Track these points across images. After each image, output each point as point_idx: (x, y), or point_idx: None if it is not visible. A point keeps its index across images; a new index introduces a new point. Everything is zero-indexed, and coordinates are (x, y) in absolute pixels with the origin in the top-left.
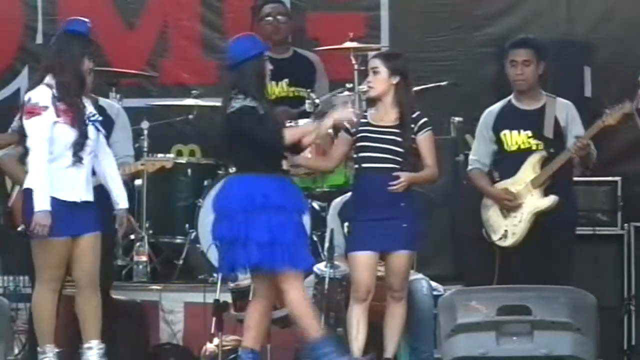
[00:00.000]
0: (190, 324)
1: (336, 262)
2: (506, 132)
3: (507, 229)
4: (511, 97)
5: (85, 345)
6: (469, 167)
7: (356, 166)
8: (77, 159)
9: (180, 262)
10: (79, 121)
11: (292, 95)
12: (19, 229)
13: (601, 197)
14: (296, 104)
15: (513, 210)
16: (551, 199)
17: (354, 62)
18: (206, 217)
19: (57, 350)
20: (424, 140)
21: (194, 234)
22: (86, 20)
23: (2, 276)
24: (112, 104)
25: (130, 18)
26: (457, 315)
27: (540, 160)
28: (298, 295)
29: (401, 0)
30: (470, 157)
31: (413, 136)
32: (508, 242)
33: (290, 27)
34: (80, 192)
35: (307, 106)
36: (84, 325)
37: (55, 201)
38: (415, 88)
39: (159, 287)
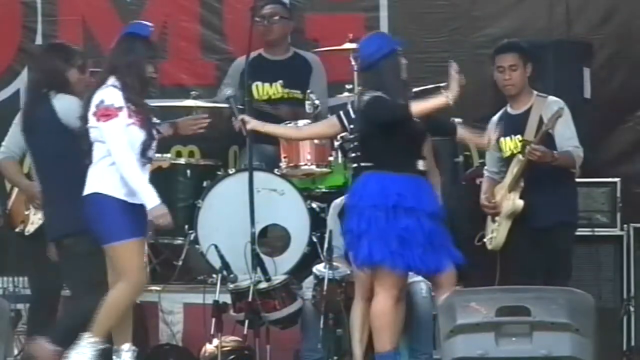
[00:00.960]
0: (189, 325)
1: (335, 263)
2: (502, 139)
3: (492, 232)
4: (509, 104)
5: (120, 347)
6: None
7: (355, 165)
8: (146, 161)
9: (180, 263)
10: (147, 122)
11: (286, 97)
12: (17, 229)
13: (600, 198)
14: (291, 105)
15: (493, 215)
16: (515, 204)
17: (353, 63)
18: (205, 218)
19: (134, 349)
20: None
21: (193, 235)
22: (148, 23)
23: (1, 277)
24: None
25: (130, 19)
26: (456, 316)
27: (517, 163)
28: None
29: (400, 1)
30: (485, 167)
31: None
32: (491, 245)
33: (286, 29)
34: None
35: (307, 107)
36: (121, 328)
37: (125, 203)
38: (415, 89)
39: (158, 288)
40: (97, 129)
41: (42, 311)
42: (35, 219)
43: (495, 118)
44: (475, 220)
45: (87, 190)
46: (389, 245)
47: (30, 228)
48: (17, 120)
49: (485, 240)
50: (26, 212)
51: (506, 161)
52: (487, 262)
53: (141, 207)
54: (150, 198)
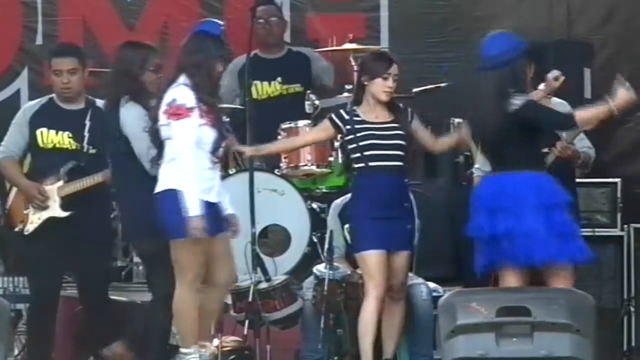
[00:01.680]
0: None
1: (336, 264)
2: None
3: None
4: None
5: (201, 343)
6: (473, 174)
7: (361, 165)
8: (216, 160)
9: None
10: (218, 122)
11: (286, 93)
12: (17, 229)
13: (601, 199)
14: (292, 101)
15: None
16: None
17: (353, 63)
18: None
19: (201, 351)
20: (419, 123)
21: None
22: (220, 22)
23: (1, 277)
24: None
25: (130, 19)
26: (456, 316)
27: None
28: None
29: (401, 1)
30: (475, 165)
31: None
32: None
33: (283, 28)
34: (217, 193)
35: (307, 107)
36: (205, 324)
37: (199, 201)
38: (415, 89)
39: None
40: (167, 126)
41: (41, 311)
42: (34, 219)
43: None
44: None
45: (163, 186)
46: (562, 241)
47: (30, 227)
48: (17, 120)
49: None
50: (25, 212)
51: None
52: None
53: (214, 205)
54: (193, 206)
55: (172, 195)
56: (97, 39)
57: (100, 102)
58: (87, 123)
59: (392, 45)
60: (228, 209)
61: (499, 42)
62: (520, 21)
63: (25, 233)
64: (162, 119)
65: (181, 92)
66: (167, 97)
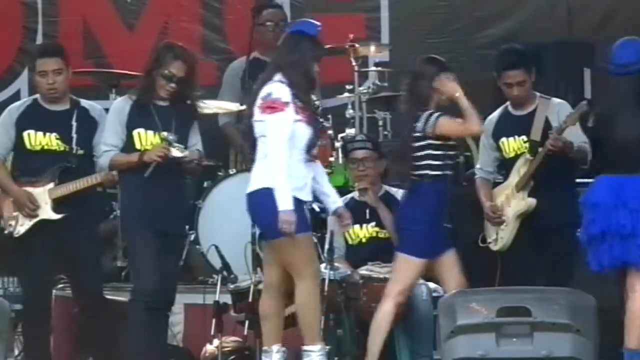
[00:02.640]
0: (190, 326)
1: (336, 264)
2: (504, 139)
3: (497, 233)
4: (508, 103)
5: (270, 347)
6: (475, 175)
7: (444, 172)
8: (310, 158)
9: (180, 263)
10: (313, 120)
11: None
12: (6, 232)
13: None
14: None
15: (498, 224)
16: (528, 202)
17: (354, 63)
18: (206, 218)
19: (283, 350)
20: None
21: (193, 235)
22: (316, 23)
23: (1, 278)
24: (95, 105)
25: (130, 19)
26: (456, 316)
27: (525, 163)
28: None
29: (401, 1)
30: (476, 165)
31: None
32: (498, 246)
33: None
34: (309, 191)
35: None
36: (272, 328)
37: (294, 199)
38: None
39: None
40: (261, 123)
41: (35, 312)
42: (25, 221)
43: (494, 117)
44: (476, 221)
45: (257, 185)
46: None
47: (21, 229)
48: (3, 121)
49: (489, 241)
50: (15, 213)
51: (507, 162)
52: (487, 262)
53: (305, 203)
54: (285, 200)
55: (267, 194)
56: (97, 39)
57: (85, 102)
58: (74, 124)
59: (393, 45)
60: (337, 201)
61: (632, 49)
62: (520, 21)
63: (16, 235)
64: (257, 114)
65: (277, 87)
66: (263, 92)
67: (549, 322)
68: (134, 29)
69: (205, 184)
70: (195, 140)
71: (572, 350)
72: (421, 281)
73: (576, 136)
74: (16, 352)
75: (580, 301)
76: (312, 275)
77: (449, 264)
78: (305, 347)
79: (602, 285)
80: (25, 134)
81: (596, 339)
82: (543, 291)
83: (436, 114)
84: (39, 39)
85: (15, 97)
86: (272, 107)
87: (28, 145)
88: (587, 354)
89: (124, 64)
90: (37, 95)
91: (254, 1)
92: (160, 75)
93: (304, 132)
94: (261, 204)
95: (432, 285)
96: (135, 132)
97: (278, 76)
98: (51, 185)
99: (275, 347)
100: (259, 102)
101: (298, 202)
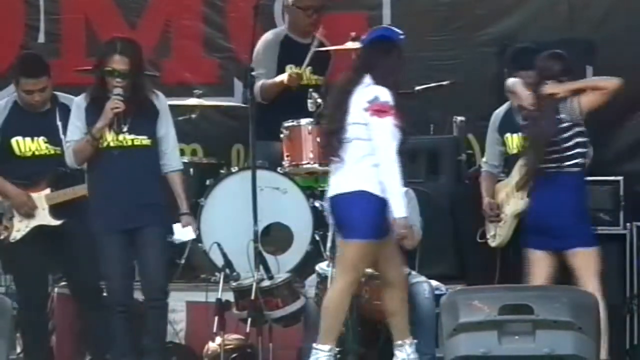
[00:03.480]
0: (192, 323)
1: None
2: (508, 135)
3: (495, 230)
4: None
5: (399, 342)
6: (481, 169)
7: (585, 159)
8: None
9: (182, 261)
10: (402, 124)
11: (314, 83)
12: (2, 237)
13: (603, 197)
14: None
15: (495, 221)
16: (526, 202)
17: None
18: (208, 216)
19: (415, 341)
20: None
21: (196, 233)
22: (397, 30)
23: (4, 275)
24: (70, 97)
25: (132, 17)
26: (459, 314)
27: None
28: None
29: None
30: (482, 159)
31: None
32: (495, 243)
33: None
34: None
35: (310, 105)
36: (401, 323)
37: (384, 203)
38: (417, 87)
39: None
40: (365, 125)
41: (32, 311)
42: (21, 226)
43: (501, 112)
44: (478, 219)
45: (351, 187)
46: None
47: (17, 235)
48: None
49: (488, 237)
50: (9, 216)
51: (510, 158)
52: (486, 259)
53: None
54: (400, 207)
55: (362, 197)
56: (99, 36)
57: (63, 97)
58: (59, 124)
59: None
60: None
61: None
62: (522, 19)
63: (12, 241)
64: (357, 117)
65: (382, 91)
66: (366, 95)
67: (551, 320)
68: (136, 26)
69: (207, 182)
70: (164, 132)
71: (574, 348)
72: (423, 279)
73: None
74: (18, 349)
75: (582, 299)
76: (349, 283)
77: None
78: (315, 345)
79: (604, 282)
80: (13, 141)
81: (598, 337)
82: (545, 289)
83: (571, 98)
84: (41, 37)
85: None
86: (382, 110)
87: (18, 152)
88: (589, 351)
89: None
90: (16, 97)
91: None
92: (106, 73)
93: (397, 136)
94: (355, 205)
95: (434, 283)
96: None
97: (368, 79)
98: (47, 191)
99: (408, 341)
100: (363, 104)
101: (385, 206)
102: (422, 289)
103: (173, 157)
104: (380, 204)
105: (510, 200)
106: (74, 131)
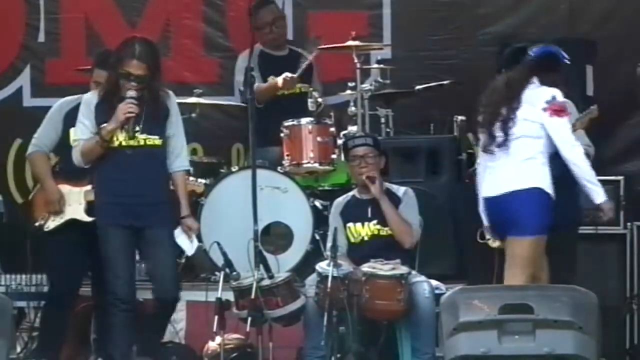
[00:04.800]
0: (192, 323)
1: (339, 261)
2: None
3: None
4: None
5: None
6: (476, 169)
7: None
8: None
9: (183, 260)
10: None
11: (298, 91)
12: (37, 224)
13: None
14: (301, 100)
15: None
16: None
17: (356, 60)
18: (208, 215)
19: None
20: None
21: (195, 247)
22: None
23: (4, 275)
24: None
25: (133, 16)
26: (459, 314)
27: None
28: None
29: None
30: (478, 161)
31: None
32: (497, 243)
33: (286, 27)
34: None
35: (310, 105)
36: None
37: (550, 198)
38: (417, 87)
39: None
40: (535, 123)
41: (58, 309)
42: (56, 217)
43: None
44: (477, 219)
45: (526, 184)
46: None
47: (50, 225)
48: (51, 115)
49: (488, 236)
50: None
51: None
52: (485, 259)
53: None
54: (601, 192)
55: (537, 194)
56: (99, 36)
57: None
58: None
59: (395, 43)
60: None
61: None
62: (523, 18)
63: (45, 229)
64: (530, 114)
65: (557, 92)
66: (542, 95)
67: (551, 320)
68: (136, 26)
69: (207, 181)
70: (174, 131)
71: (575, 348)
72: (423, 278)
73: (582, 139)
74: (18, 349)
75: (582, 298)
76: (530, 278)
77: None
78: None
79: (604, 282)
80: (72, 130)
81: (598, 336)
82: (545, 288)
83: None
84: (41, 37)
85: (18, 94)
86: (561, 110)
87: (72, 141)
88: (589, 351)
89: None
90: (90, 93)
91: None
92: (121, 76)
93: None
94: (530, 202)
95: (434, 282)
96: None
97: (536, 79)
98: (88, 187)
99: None
100: (541, 104)
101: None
102: (422, 289)
103: (181, 157)
104: (550, 201)
105: None
106: (83, 130)
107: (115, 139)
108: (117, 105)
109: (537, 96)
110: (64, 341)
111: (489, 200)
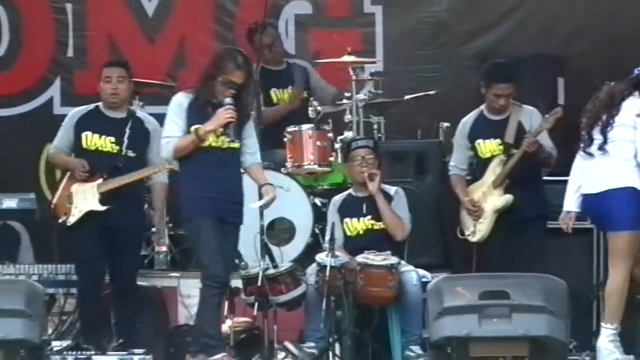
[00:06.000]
0: None
1: (336, 252)
2: (480, 141)
3: (474, 226)
4: (483, 107)
5: (605, 325)
6: (450, 172)
7: None
8: None
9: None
10: None
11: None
12: (60, 220)
13: None
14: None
15: (477, 217)
16: (506, 198)
17: (351, 73)
18: None
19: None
20: None
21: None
22: None
23: (37, 265)
24: (149, 118)
25: (151, 33)
26: (443, 299)
27: (500, 164)
28: None
29: (393, 18)
30: (450, 163)
31: None
32: (476, 238)
33: (282, 47)
34: None
35: (310, 112)
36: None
37: None
38: (406, 96)
39: (177, 274)
40: (630, 128)
41: (88, 294)
42: (76, 212)
43: (470, 120)
44: (459, 214)
45: (624, 183)
46: None
47: (72, 219)
48: (65, 123)
49: (467, 233)
50: (68, 206)
51: (482, 162)
52: (465, 252)
53: None
54: None
55: (633, 192)
56: (121, 51)
57: (141, 114)
58: (127, 131)
59: (386, 57)
60: None
61: None
62: (499, 36)
63: (68, 224)
64: (629, 120)
65: None
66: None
67: (526, 305)
68: (155, 42)
69: None
70: (249, 134)
71: (547, 330)
72: (411, 268)
73: (546, 140)
74: (50, 331)
75: (553, 286)
76: (627, 271)
77: None
78: (603, 324)
79: (573, 271)
80: (83, 134)
81: (568, 320)
82: (521, 277)
83: None
84: (70, 52)
85: (48, 104)
86: None
87: (84, 145)
88: (560, 332)
89: (145, 73)
90: (100, 103)
91: (260, 17)
92: (221, 83)
93: None
94: (628, 199)
95: (421, 271)
96: (192, 128)
97: (637, 93)
98: (100, 180)
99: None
100: (637, 110)
101: None
102: (410, 277)
103: (257, 154)
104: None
105: (488, 198)
106: (174, 128)
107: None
108: (210, 108)
109: (634, 105)
110: (104, 320)
111: (589, 197)
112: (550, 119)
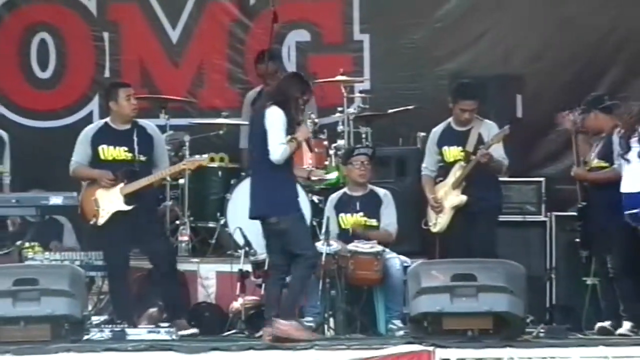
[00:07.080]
0: (220, 288)
1: (331, 242)
2: (446, 147)
3: (436, 219)
4: (450, 119)
5: None
6: (422, 173)
7: None
8: None
9: (213, 241)
10: None
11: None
12: (91, 222)
13: (529, 193)
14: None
15: (438, 212)
16: (461, 198)
17: (343, 91)
18: (232, 207)
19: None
20: None
21: (223, 220)
22: None
23: (78, 252)
24: (149, 123)
25: (176, 58)
26: (421, 281)
27: (460, 168)
28: None
29: (379, 44)
30: (422, 165)
31: None
32: (436, 229)
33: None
34: None
35: (308, 124)
36: None
37: None
38: (390, 110)
39: (197, 260)
40: None
41: (116, 280)
42: (104, 214)
43: (439, 129)
44: (424, 210)
45: None
46: None
47: (101, 220)
48: (81, 140)
49: (430, 224)
50: (95, 209)
51: (447, 165)
52: (429, 241)
53: None
54: None
55: None
56: (150, 73)
57: (141, 122)
58: (135, 139)
59: (373, 77)
60: None
61: None
62: (469, 59)
63: (99, 224)
64: None
65: None
66: None
67: (490, 285)
68: (178, 65)
69: (232, 181)
70: None
71: (508, 307)
72: (395, 255)
73: (498, 152)
74: (90, 307)
75: (513, 270)
76: None
77: None
78: None
79: (530, 257)
80: (99, 148)
81: (526, 298)
82: (485, 262)
83: None
84: (107, 73)
85: (89, 117)
86: None
87: (102, 157)
88: (519, 309)
89: (170, 91)
90: (108, 119)
91: (267, 44)
92: (301, 102)
93: None
94: None
95: (402, 257)
96: (291, 137)
97: None
98: (122, 185)
99: None
100: None
101: None
102: (393, 263)
103: None
104: None
105: (448, 196)
106: (282, 136)
107: None
108: (297, 124)
109: None
110: (131, 304)
111: (627, 195)
112: (499, 135)
